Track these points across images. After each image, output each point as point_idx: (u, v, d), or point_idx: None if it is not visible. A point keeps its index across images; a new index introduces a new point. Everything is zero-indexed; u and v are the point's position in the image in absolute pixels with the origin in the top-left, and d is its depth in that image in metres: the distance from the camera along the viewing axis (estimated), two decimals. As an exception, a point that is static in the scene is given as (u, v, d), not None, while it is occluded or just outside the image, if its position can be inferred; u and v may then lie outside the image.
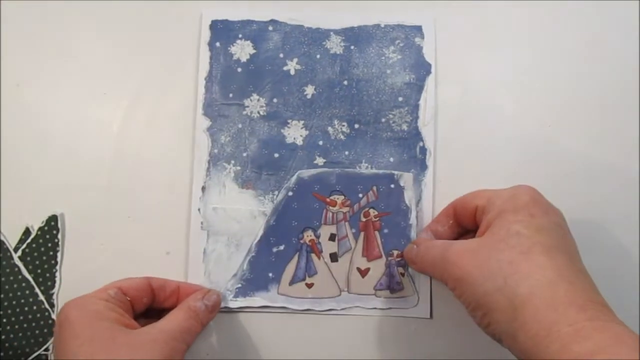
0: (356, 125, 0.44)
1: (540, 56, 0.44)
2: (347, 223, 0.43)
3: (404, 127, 0.44)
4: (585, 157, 0.42)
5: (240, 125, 0.44)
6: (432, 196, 0.43)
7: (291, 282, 0.42)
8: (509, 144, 0.43)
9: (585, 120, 0.43)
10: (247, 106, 0.44)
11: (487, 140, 0.44)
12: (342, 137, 0.44)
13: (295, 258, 0.43)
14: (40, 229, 0.43)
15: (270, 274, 0.42)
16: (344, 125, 0.44)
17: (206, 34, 0.44)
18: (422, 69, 0.44)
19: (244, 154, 0.44)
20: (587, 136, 0.43)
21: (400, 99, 0.44)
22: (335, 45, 0.45)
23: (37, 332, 0.42)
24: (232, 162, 0.43)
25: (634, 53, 0.44)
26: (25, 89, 0.45)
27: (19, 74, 0.45)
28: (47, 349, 0.42)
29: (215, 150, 0.44)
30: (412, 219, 0.43)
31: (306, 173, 0.43)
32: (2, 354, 0.42)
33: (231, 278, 0.42)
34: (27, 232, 0.43)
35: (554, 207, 0.36)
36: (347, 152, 0.44)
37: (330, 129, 0.44)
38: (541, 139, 0.41)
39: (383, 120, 0.44)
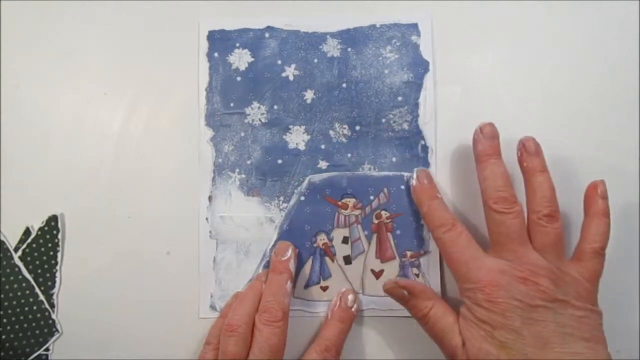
0: (357, 127, 0.44)
1: (540, 53, 0.44)
2: (359, 225, 0.43)
3: (405, 126, 0.44)
4: (585, 157, 0.42)
5: (242, 134, 0.44)
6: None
7: (306, 286, 0.43)
8: (509, 142, 0.43)
9: (585, 121, 0.43)
10: (249, 114, 0.44)
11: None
12: (343, 139, 0.44)
13: (310, 262, 0.43)
14: (40, 229, 0.43)
15: None
16: (345, 128, 0.44)
17: (204, 45, 0.44)
18: (420, 67, 0.44)
19: (248, 162, 0.44)
20: (587, 136, 0.43)
21: (400, 98, 0.44)
22: (332, 48, 0.44)
23: (37, 332, 0.43)
24: (237, 170, 0.44)
25: (634, 53, 0.43)
26: (25, 89, 0.45)
27: (19, 74, 0.45)
28: (47, 349, 0.43)
29: (220, 160, 0.44)
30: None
31: (317, 177, 0.44)
32: (2, 354, 0.42)
33: (247, 283, 0.43)
34: (27, 232, 0.43)
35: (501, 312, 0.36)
36: (349, 155, 0.44)
37: (331, 132, 0.44)
38: (541, 138, 0.41)
39: (383, 120, 0.44)
